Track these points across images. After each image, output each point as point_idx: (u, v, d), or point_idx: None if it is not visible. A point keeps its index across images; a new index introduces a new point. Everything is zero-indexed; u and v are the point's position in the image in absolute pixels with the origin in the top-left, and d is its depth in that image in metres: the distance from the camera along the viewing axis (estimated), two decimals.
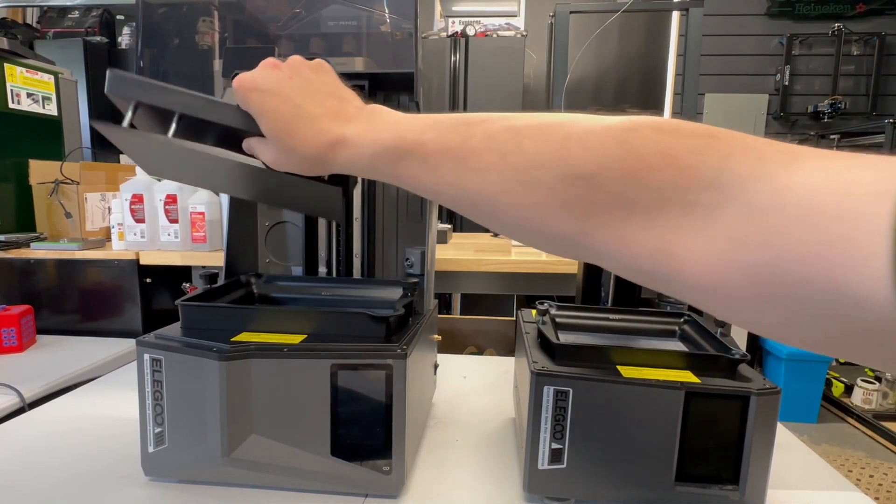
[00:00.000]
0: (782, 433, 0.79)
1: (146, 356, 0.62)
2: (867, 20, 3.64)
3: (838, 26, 3.62)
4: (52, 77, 1.92)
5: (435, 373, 0.88)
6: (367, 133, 0.38)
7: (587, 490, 0.56)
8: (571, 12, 2.55)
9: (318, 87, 0.41)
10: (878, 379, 2.83)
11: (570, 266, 1.51)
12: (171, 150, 0.46)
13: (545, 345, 0.62)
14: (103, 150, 3.27)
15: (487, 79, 2.99)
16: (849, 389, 2.87)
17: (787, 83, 3.75)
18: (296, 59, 0.43)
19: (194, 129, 0.45)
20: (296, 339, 0.63)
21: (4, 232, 1.67)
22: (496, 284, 1.61)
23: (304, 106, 0.40)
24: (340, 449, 0.61)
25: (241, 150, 0.46)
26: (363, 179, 0.87)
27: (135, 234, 1.57)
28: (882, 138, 2.97)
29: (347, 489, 0.63)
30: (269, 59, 0.41)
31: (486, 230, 2.44)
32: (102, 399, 0.93)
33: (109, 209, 1.70)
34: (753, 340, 2.80)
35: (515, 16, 3.28)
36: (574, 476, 0.56)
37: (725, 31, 3.71)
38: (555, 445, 0.56)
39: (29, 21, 3.62)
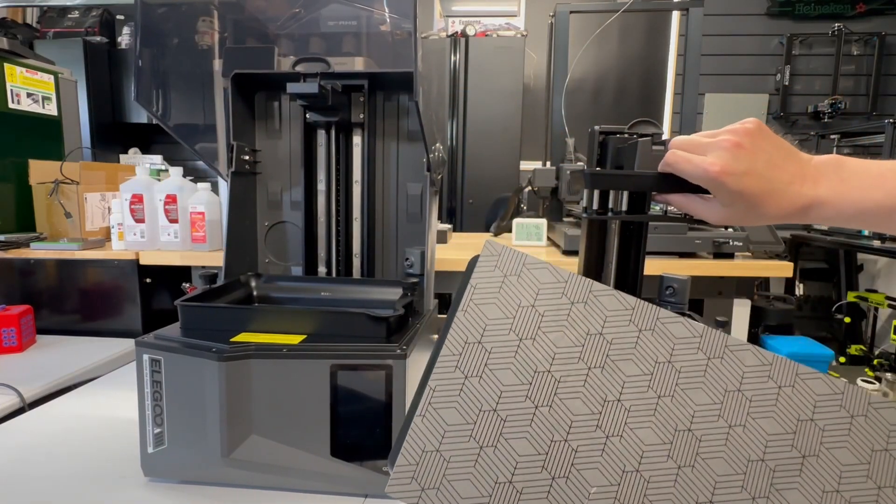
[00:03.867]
0: None
1: (146, 356, 0.62)
2: (867, 20, 3.64)
3: (838, 26, 3.62)
4: (51, 77, 1.92)
5: None
6: (849, 193, 0.40)
7: None
8: (571, 12, 2.55)
9: (777, 154, 0.42)
10: (878, 379, 2.82)
11: (571, 266, 1.50)
12: None
13: None
14: (103, 149, 3.27)
15: (487, 79, 2.98)
16: None
17: (787, 83, 3.75)
18: (747, 129, 0.42)
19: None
20: (295, 339, 0.63)
21: (4, 232, 1.67)
22: None
23: (775, 178, 0.41)
24: (340, 449, 0.61)
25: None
26: (362, 176, 0.87)
27: (135, 234, 1.57)
28: (882, 138, 2.97)
29: (347, 489, 0.63)
30: (728, 139, 0.41)
31: (487, 230, 2.43)
32: (102, 399, 0.93)
33: (109, 209, 1.70)
34: (754, 340, 2.80)
35: (515, 16, 3.27)
36: None
37: (725, 31, 3.71)
38: None
39: (29, 21, 3.61)
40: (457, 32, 3.00)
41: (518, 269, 0.25)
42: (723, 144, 0.41)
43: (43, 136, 1.90)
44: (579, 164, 1.77)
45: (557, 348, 0.24)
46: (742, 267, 1.65)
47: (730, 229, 1.65)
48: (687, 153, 0.43)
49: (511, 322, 0.24)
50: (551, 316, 0.24)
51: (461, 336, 0.24)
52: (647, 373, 0.23)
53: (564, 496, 0.22)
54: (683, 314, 0.76)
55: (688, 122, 2.52)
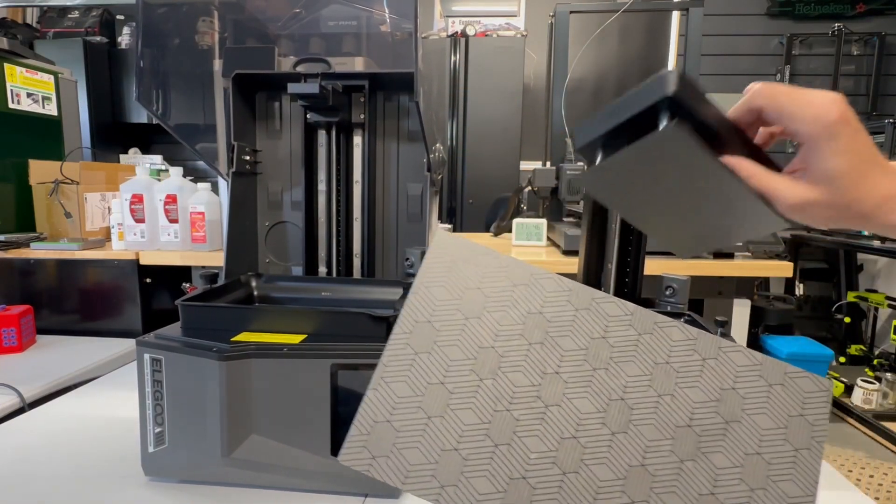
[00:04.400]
0: None
1: (146, 356, 0.62)
2: (867, 20, 3.64)
3: (838, 26, 3.62)
4: (51, 77, 1.92)
5: None
6: None
7: None
8: (571, 12, 2.55)
9: (869, 140, 0.35)
10: (878, 379, 2.83)
11: (571, 266, 1.51)
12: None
13: None
14: (103, 149, 3.27)
15: (487, 79, 2.99)
16: (849, 389, 2.86)
17: (787, 83, 3.76)
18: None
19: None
20: (296, 339, 0.63)
21: (4, 232, 1.67)
22: None
23: (876, 152, 0.34)
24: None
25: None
26: (363, 176, 0.87)
27: (135, 234, 1.57)
28: (882, 138, 2.97)
29: (347, 489, 0.63)
30: (834, 94, 0.34)
31: (487, 230, 2.44)
32: (102, 399, 0.93)
33: (109, 209, 1.70)
34: (753, 340, 2.80)
35: (515, 16, 3.27)
36: None
37: (725, 30, 3.71)
38: None
39: (29, 21, 3.61)
40: (457, 32, 3.00)
41: (465, 256, 0.27)
42: (832, 95, 0.34)
43: (43, 136, 1.91)
44: (579, 164, 1.77)
45: (500, 326, 0.25)
46: (742, 267, 1.65)
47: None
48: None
49: (458, 303, 0.26)
50: (495, 297, 0.26)
51: (412, 316, 0.26)
52: (582, 347, 0.25)
53: (507, 461, 0.23)
54: (683, 314, 0.76)
55: None
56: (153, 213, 1.56)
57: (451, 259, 0.27)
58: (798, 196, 0.34)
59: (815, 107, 0.33)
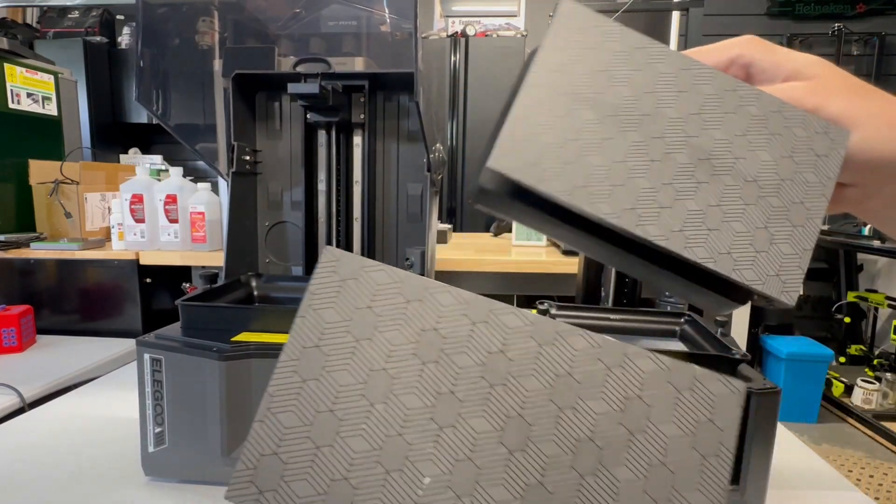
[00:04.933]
0: (782, 433, 0.78)
1: (146, 356, 0.62)
2: (867, 20, 3.64)
3: (838, 26, 3.62)
4: (51, 77, 1.92)
5: None
6: None
7: None
8: None
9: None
10: (878, 379, 2.83)
11: (571, 266, 1.51)
12: None
13: None
14: (103, 149, 3.27)
15: (487, 79, 2.99)
16: (849, 389, 2.87)
17: None
18: None
19: None
20: None
21: (4, 232, 1.67)
22: (496, 284, 1.61)
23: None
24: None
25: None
26: (363, 176, 0.87)
27: (135, 234, 1.57)
28: None
29: None
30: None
31: (487, 230, 2.44)
32: (102, 399, 0.93)
33: (109, 209, 1.70)
34: (753, 340, 2.80)
35: (515, 16, 3.28)
36: None
37: (725, 30, 3.71)
38: None
39: (29, 21, 3.62)
40: (457, 32, 3.00)
41: (356, 273, 0.25)
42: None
43: (43, 136, 1.91)
44: None
45: (392, 346, 0.24)
46: None
47: None
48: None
49: (348, 324, 0.25)
50: (387, 315, 0.25)
51: (299, 341, 0.25)
52: (479, 363, 0.24)
53: (399, 488, 0.22)
54: (683, 314, 0.76)
55: None
56: (153, 213, 1.56)
57: (340, 278, 0.26)
58: (801, 91, 0.31)
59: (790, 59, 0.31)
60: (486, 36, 3.00)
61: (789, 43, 3.69)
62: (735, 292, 0.27)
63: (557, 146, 0.25)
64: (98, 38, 3.41)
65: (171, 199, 1.55)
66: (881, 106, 0.29)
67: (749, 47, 0.32)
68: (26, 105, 1.82)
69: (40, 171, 1.72)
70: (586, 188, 0.25)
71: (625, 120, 0.26)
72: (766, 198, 0.26)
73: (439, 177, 0.86)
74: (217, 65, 1.54)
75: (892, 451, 2.43)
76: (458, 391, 0.24)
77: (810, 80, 0.30)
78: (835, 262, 3.48)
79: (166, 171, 1.84)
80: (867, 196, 0.32)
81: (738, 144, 0.26)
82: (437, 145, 0.86)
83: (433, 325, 0.25)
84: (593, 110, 0.26)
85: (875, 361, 3.04)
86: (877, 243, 2.80)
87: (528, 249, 1.76)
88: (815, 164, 0.26)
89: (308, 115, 0.84)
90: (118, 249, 1.59)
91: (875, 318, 3.37)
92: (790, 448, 0.78)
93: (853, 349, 3.29)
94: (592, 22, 0.28)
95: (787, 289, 0.25)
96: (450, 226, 2.05)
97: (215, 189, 1.63)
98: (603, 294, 0.80)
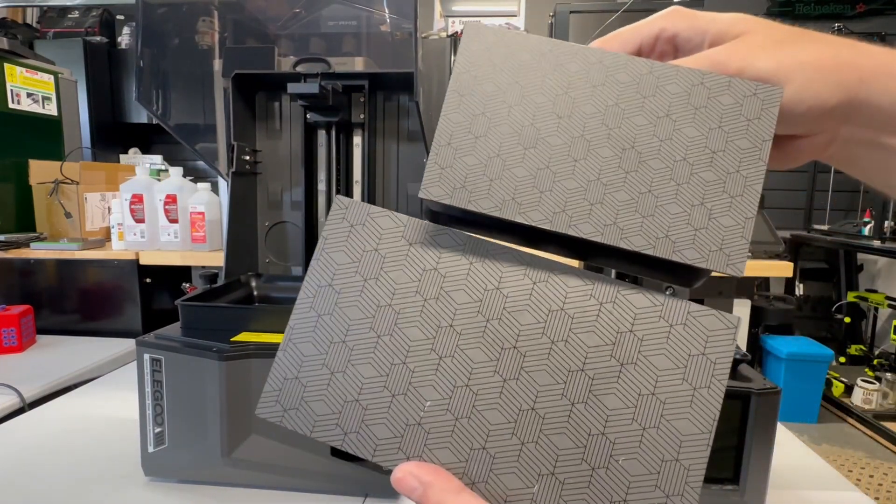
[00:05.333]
0: (782, 433, 0.78)
1: (146, 356, 0.62)
2: (867, 20, 3.64)
3: (838, 26, 3.62)
4: (51, 77, 1.92)
5: None
6: None
7: None
8: (571, 12, 2.55)
9: None
10: (878, 379, 2.83)
11: (571, 263, 1.51)
12: None
13: None
14: (103, 149, 3.27)
15: None
16: (849, 389, 2.87)
17: None
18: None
19: None
20: None
21: (4, 232, 1.67)
22: None
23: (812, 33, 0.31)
24: (340, 449, 0.61)
25: None
26: (363, 176, 0.87)
27: (134, 234, 1.57)
28: None
29: (347, 489, 0.63)
30: None
31: None
32: (102, 399, 0.93)
33: (109, 209, 1.70)
34: (753, 340, 2.80)
35: (515, 16, 3.28)
36: None
37: None
38: None
39: (29, 21, 3.62)
40: (457, 32, 3.00)
41: (363, 219, 0.28)
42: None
43: (43, 136, 1.91)
44: None
45: (397, 284, 0.26)
46: None
47: None
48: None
49: (357, 265, 0.27)
50: (392, 256, 0.27)
51: (314, 281, 0.27)
52: (476, 300, 0.26)
53: (403, 409, 0.25)
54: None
55: None
56: (153, 213, 1.56)
57: (349, 223, 0.28)
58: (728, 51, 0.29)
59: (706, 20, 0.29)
60: None
61: None
62: (692, 270, 0.27)
63: (481, 165, 0.27)
64: (98, 38, 3.41)
65: (171, 199, 1.55)
66: (812, 51, 0.28)
67: (670, 19, 0.31)
68: (26, 105, 1.82)
69: (40, 171, 1.72)
70: (515, 200, 0.26)
71: (543, 126, 0.27)
72: (699, 174, 0.26)
73: None
74: (217, 65, 1.54)
75: (892, 451, 2.43)
76: (456, 325, 0.26)
77: (735, 39, 0.29)
78: (835, 262, 3.48)
79: (166, 171, 1.84)
80: (827, 142, 0.30)
81: (662, 126, 0.27)
82: None
83: (433, 265, 0.27)
84: (510, 124, 0.27)
85: (875, 361, 3.04)
86: (877, 243, 2.80)
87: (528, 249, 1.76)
88: (746, 129, 0.26)
89: (308, 115, 0.84)
90: (118, 249, 1.59)
91: (875, 318, 3.37)
92: (790, 448, 0.78)
93: (853, 349, 3.29)
94: (498, 37, 0.29)
95: (733, 261, 0.25)
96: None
97: (215, 189, 1.63)
98: None
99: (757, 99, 0.27)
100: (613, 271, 0.44)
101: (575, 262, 0.30)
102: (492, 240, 0.28)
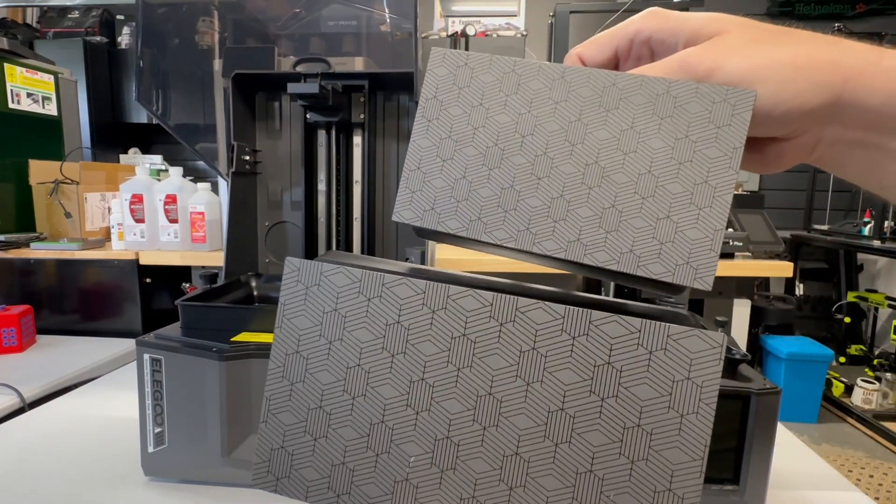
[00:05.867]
0: (782, 433, 0.78)
1: (146, 356, 0.62)
2: (867, 20, 3.64)
3: (838, 26, 3.62)
4: (51, 77, 1.92)
5: None
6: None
7: None
8: (571, 12, 2.55)
9: None
10: (878, 379, 2.83)
11: None
12: None
13: None
14: (103, 149, 3.27)
15: None
16: (849, 389, 2.87)
17: None
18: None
19: None
20: None
21: (4, 232, 1.67)
22: None
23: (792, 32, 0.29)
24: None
25: None
26: (363, 176, 0.87)
27: (134, 234, 1.57)
28: None
29: None
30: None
31: None
32: (102, 399, 0.93)
33: (109, 209, 1.70)
34: (753, 340, 2.80)
35: (515, 15, 3.27)
36: None
37: None
38: None
39: (29, 21, 3.61)
40: (457, 32, 3.00)
41: (317, 279, 0.27)
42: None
43: (43, 136, 1.91)
44: None
45: (362, 343, 0.26)
46: (742, 267, 1.65)
47: (729, 229, 1.65)
48: None
49: (319, 328, 0.27)
50: (352, 315, 0.27)
51: (282, 349, 0.27)
52: (444, 349, 0.25)
53: (389, 468, 0.25)
54: (682, 315, 0.76)
55: None
56: (153, 213, 1.56)
57: (304, 286, 0.28)
58: (701, 52, 0.27)
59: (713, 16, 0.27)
60: (486, 36, 3.00)
61: None
62: (662, 283, 0.26)
63: (448, 188, 0.27)
64: (98, 38, 3.41)
65: (170, 199, 1.55)
66: (791, 50, 0.26)
67: (645, 21, 0.29)
68: (26, 105, 1.81)
69: (40, 171, 1.72)
70: (481, 220, 0.27)
71: (507, 146, 0.27)
72: (665, 186, 0.25)
73: None
74: (217, 65, 1.54)
75: (892, 451, 2.43)
76: (427, 377, 0.25)
77: (709, 40, 0.27)
78: (835, 262, 3.47)
79: (166, 171, 1.84)
80: (812, 144, 0.28)
81: (626, 139, 0.26)
82: None
83: (395, 318, 0.26)
84: (475, 146, 0.28)
85: (875, 361, 3.04)
86: (877, 243, 2.80)
87: None
88: (716, 137, 0.26)
89: (308, 115, 0.84)
90: (118, 249, 1.59)
91: (875, 318, 3.37)
92: (790, 448, 0.78)
93: (853, 349, 3.29)
94: (462, 61, 0.29)
95: (701, 275, 0.24)
96: None
97: (215, 189, 1.63)
98: (603, 294, 0.80)
99: (727, 104, 0.26)
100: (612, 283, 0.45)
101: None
102: (461, 273, 0.29)
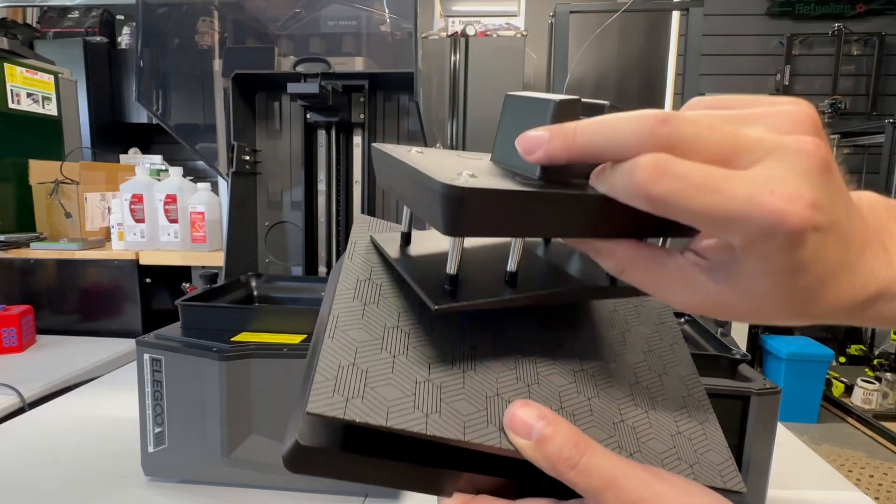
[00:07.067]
0: (782, 433, 0.78)
1: (146, 356, 0.62)
2: (867, 20, 3.64)
3: (838, 26, 3.62)
4: (51, 77, 1.92)
5: None
6: None
7: None
8: (571, 12, 2.55)
9: (845, 193, 0.21)
10: (878, 379, 2.82)
11: None
12: None
13: None
14: (103, 149, 3.27)
15: (487, 79, 2.98)
16: (849, 389, 2.86)
17: (787, 83, 3.75)
18: (817, 128, 0.21)
19: None
20: (296, 338, 0.63)
21: (4, 232, 1.67)
22: None
23: (852, 237, 0.20)
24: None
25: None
26: (363, 176, 0.87)
27: (134, 234, 1.57)
28: (882, 138, 2.97)
29: (347, 489, 0.63)
30: (811, 144, 0.19)
31: None
32: (102, 399, 0.93)
33: (109, 209, 1.69)
34: (754, 340, 2.80)
35: (515, 15, 3.27)
36: None
37: (726, 30, 3.71)
38: None
39: (29, 21, 3.61)
40: (457, 32, 3.00)
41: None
42: (802, 149, 0.19)
43: (43, 136, 1.91)
44: None
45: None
46: None
47: None
48: (699, 170, 0.19)
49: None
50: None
51: (352, 276, 0.27)
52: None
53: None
54: (683, 315, 0.76)
55: None
56: (153, 213, 1.56)
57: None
58: (734, 306, 0.21)
59: (757, 206, 0.18)
60: (486, 36, 3.00)
61: (789, 43, 3.69)
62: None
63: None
64: (98, 38, 3.40)
65: (170, 199, 1.55)
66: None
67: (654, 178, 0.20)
68: (26, 105, 1.81)
69: (40, 171, 1.72)
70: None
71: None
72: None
73: None
74: (217, 65, 1.54)
75: (892, 451, 2.43)
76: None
77: None
78: None
79: (166, 171, 1.83)
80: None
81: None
82: (438, 145, 0.86)
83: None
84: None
85: (875, 361, 3.04)
86: None
87: None
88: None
89: (308, 115, 0.84)
90: (118, 249, 1.59)
91: None
92: (790, 448, 0.78)
93: (853, 349, 3.28)
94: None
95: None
96: None
97: (215, 189, 1.62)
98: None
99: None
100: None
101: None
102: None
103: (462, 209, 0.20)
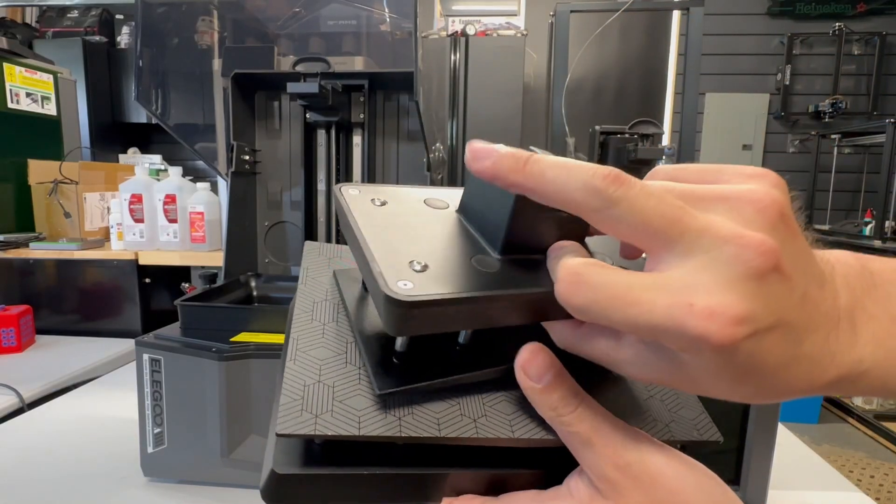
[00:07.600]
0: (782, 433, 0.78)
1: (145, 356, 0.62)
2: (868, 20, 3.64)
3: (839, 26, 3.62)
4: (51, 77, 1.92)
5: None
6: None
7: None
8: (572, 11, 2.55)
9: (807, 265, 0.20)
10: None
11: None
12: None
13: None
14: (102, 149, 3.27)
15: (487, 78, 2.98)
16: None
17: (787, 83, 3.76)
18: (778, 204, 0.21)
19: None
20: None
21: (4, 232, 1.66)
22: None
23: (808, 329, 0.20)
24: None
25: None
26: (363, 176, 0.87)
27: (134, 234, 1.57)
28: (882, 138, 2.97)
29: None
30: (757, 242, 0.18)
31: None
32: (102, 399, 0.93)
33: (108, 209, 1.69)
34: None
35: (515, 15, 3.27)
36: None
37: (726, 30, 3.71)
38: None
39: (28, 21, 3.61)
40: (457, 32, 2.99)
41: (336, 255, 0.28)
42: (743, 251, 0.18)
43: (42, 135, 1.90)
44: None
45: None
46: None
47: None
48: (616, 281, 0.19)
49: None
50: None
51: (308, 299, 0.27)
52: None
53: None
54: None
55: (688, 121, 2.53)
56: (152, 213, 1.56)
57: (326, 257, 0.29)
58: (687, 384, 0.21)
59: (678, 323, 0.18)
60: (486, 35, 3.00)
61: (790, 42, 3.69)
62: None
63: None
64: (97, 38, 3.40)
65: (170, 199, 1.55)
66: None
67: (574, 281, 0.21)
68: (25, 105, 1.81)
69: (39, 171, 1.72)
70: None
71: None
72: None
73: (439, 176, 0.86)
74: (217, 64, 1.54)
75: (893, 452, 2.43)
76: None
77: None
78: None
79: (165, 170, 1.83)
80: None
81: None
82: (437, 145, 0.86)
83: None
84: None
85: None
86: (878, 243, 2.80)
87: None
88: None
89: (307, 115, 0.84)
90: (117, 249, 1.59)
91: None
92: (791, 448, 0.78)
93: None
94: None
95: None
96: None
97: (215, 189, 1.62)
98: None
99: None
100: None
101: None
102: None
103: (405, 317, 0.19)
